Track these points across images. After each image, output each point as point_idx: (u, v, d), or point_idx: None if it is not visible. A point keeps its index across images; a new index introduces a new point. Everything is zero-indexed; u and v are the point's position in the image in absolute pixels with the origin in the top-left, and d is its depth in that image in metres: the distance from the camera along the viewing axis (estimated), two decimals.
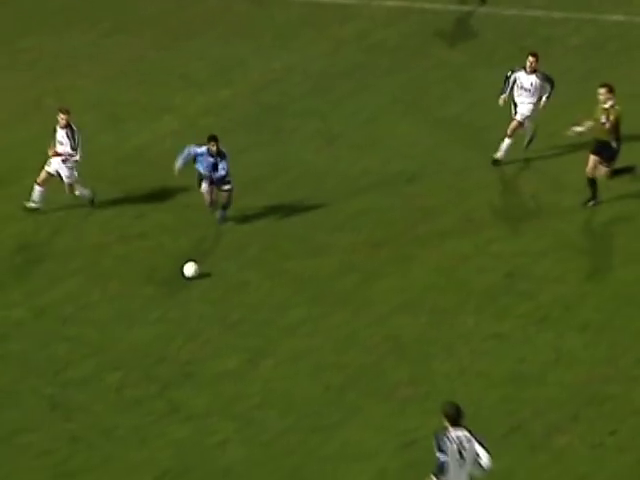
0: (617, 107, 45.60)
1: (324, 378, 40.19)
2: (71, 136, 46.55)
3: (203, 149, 44.04)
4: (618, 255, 48.69)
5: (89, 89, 63.38)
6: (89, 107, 60.45)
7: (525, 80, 50.79)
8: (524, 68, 51.27)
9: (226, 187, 46.23)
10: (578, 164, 51.44)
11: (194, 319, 43.54)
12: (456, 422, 30.35)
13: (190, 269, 36.94)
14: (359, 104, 61.58)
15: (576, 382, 39.92)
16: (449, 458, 30.07)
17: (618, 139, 45.37)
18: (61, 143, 47.13)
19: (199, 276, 40.32)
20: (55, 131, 48.52)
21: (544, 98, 51.10)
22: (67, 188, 48.46)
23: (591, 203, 47.46)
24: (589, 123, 45.03)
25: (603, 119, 44.68)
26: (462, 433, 30.37)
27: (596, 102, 46.22)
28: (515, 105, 51.42)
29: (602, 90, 45.62)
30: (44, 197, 49.76)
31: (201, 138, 50.56)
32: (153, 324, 43.41)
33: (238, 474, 36.02)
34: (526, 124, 50.86)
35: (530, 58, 50.79)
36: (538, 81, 50.96)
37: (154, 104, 61.60)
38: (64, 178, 48.83)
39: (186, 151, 43.81)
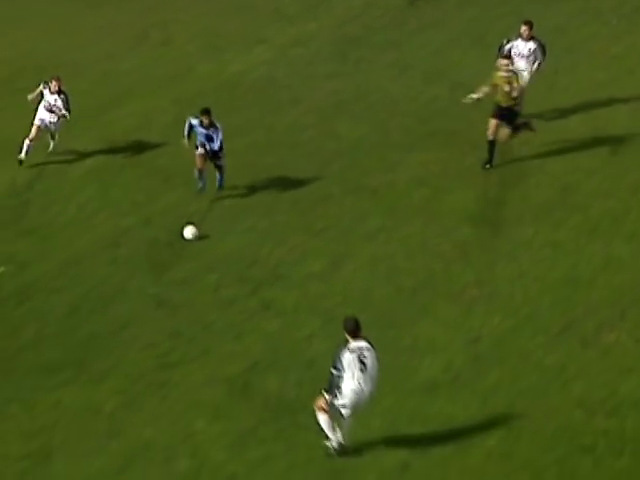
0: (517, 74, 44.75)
1: (398, 281, 40.56)
2: (65, 100, 45.75)
3: (197, 121, 43.06)
4: None
5: (191, 22, 63.97)
6: (191, 38, 61.33)
7: (523, 47, 48.56)
8: (520, 36, 48.86)
9: (219, 162, 44.87)
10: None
11: (282, 228, 44.13)
12: (355, 334, 30.49)
13: (189, 232, 36.62)
14: (430, 37, 61.46)
15: (623, 285, 40.30)
16: (346, 372, 30.12)
17: (519, 103, 44.83)
18: (54, 106, 45.95)
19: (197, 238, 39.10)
20: (42, 96, 47.09)
21: (537, 64, 49.28)
22: (50, 135, 47.51)
23: (488, 165, 45.79)
24: (485, 89, 44.28)
25: (507, 87, 43.74)
26: (363, 344, 30.47)
27: (494, 69, 45.06)
28: None
29: (504, 62, 44.18)
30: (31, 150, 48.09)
31: (291, 66, 51.14)
32: (245, 233, 44.01)
33: (321, 365, 35.51)
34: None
35: (523, 27, 48.44)
36: (534, 47, 48.83)
37: (249, 35, 61.95)
38: (52, 129, 47.94)
39: (187, 122, 43.23)
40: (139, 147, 50.61)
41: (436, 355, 36.83)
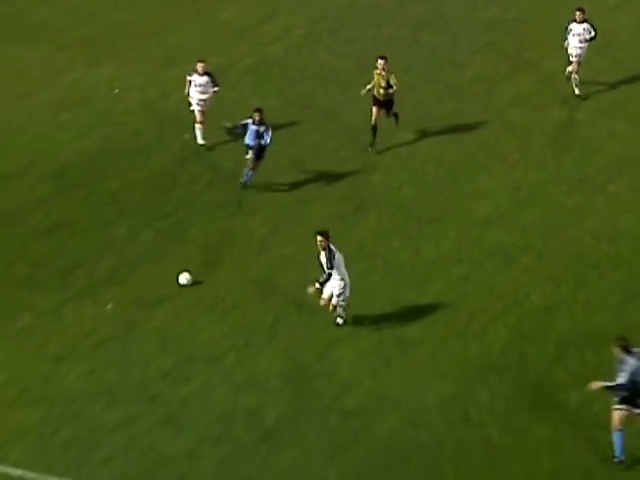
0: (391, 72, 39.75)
1: (463, 146, 40.60)
2: (213, 78, 39.63)
3: (249, 120, 37.13)
4: None
5: None
6: None
7: (577, 28, 43.31)
8: (574, 20, 43.57)
9: (259, 158, 37.73)
10: None
11: None
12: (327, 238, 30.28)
13: (183, 278, 31.92)
14: None
15: (623, 153, 40.31)
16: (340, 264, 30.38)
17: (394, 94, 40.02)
18: (206, 86, 39.77)
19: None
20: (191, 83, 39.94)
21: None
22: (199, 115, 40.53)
23: (370, 148, 40.53)
24: (369, 86, 39.62)
25: (384, 84, 39.39)
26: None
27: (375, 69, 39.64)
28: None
29: (381, 62, 39.64)
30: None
31: None
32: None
33: (409, 208, 36.85)
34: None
35: (577, 12, 43.59)
36: (587, 27, 43.45)
37: None
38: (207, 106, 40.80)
39: (240, 123, 37.50)
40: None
41: (488, 199, 37.53)
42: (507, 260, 34.48)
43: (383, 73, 39.79)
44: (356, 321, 31.64)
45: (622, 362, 25.72)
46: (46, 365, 29.94)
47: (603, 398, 28.05)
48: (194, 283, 30.28)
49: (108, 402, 28.75)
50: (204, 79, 39.38)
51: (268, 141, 37.32)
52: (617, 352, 26.01)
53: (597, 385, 25.95)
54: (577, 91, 43.99)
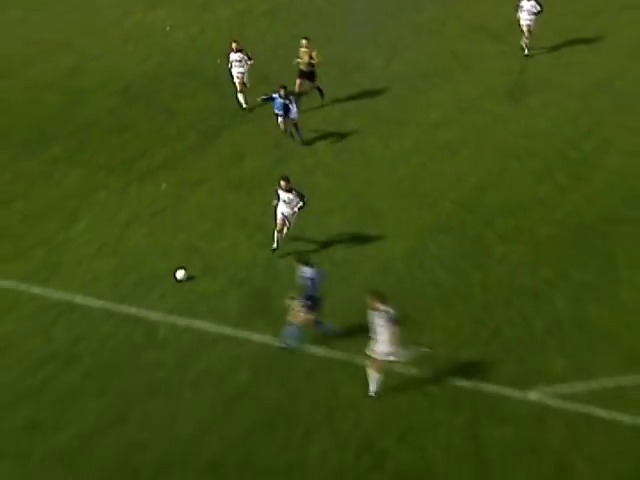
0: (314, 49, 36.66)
1: (420, 69, 39.10)
2: (246, 53, 35.94)
3: (276, 95, 33.97)
4: None
5: None
6: None
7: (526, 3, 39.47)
8: None
9: (295, 124, 34.40)
10: None
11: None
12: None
13: (180, 274, 28.02)
14: None
15: None
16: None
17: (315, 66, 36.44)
18: (241, 60, 36.76)
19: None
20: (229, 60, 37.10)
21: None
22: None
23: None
24: (298, 59, 36.50)
25: (307, 58, 36.39)
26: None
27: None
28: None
29: (304, 42, 36.49)
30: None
31: None
32: None
33: (381, 114, 36.14)
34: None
35: None
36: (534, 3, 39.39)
37: None
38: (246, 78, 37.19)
39: (270, 96, 34.31)
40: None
41: (439, 108, 36.65)
42: (452, 152, 34.16)
43: (307, 50, 36.67)
44: (342, 199, 31.76)
45: None
46: (117, 228, 30.20)
47: (520, 250, 28.57)
48: (189, 278, 27.97)
49: (162, 255, 29.01)
50: (238, 55, 36.88)
51: (295, 111, 34.39)
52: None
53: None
54: (526, 52, 40.64)
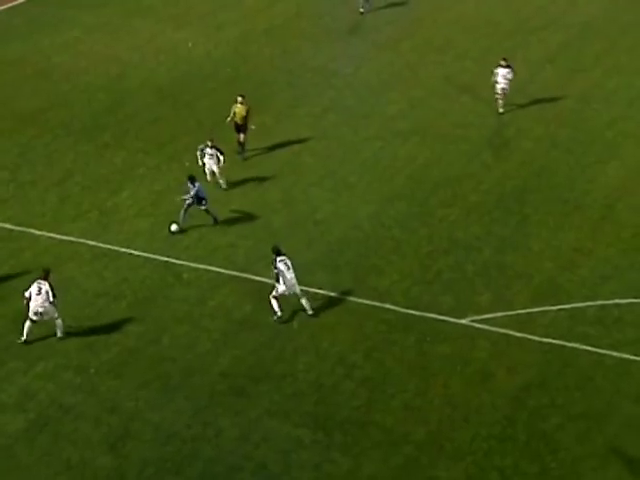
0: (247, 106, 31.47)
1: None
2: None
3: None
4: None
5: None
6: None
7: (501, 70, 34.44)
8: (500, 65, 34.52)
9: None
10: None
11: None
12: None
13: (173, 227, 27.06)
14: None
15: None
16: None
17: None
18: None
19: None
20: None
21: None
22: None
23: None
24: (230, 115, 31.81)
25: (243, 113, 30.98)
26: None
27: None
28: None
29: (240, 98, 31.13)
30: None
31: None
32: None
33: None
34: None
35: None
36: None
37: None
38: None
39: None
40: None
41: None
42: (405, 139, 33.47)
43: (242, 106, 31.68)
44: (322, 174, 31.35)
45: None
46: (152, 196, 29.78)
47: (456, 212, 28.45)
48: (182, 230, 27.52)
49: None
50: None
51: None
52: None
53: None
54: (501, 110, 34.93)
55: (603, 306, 24.58)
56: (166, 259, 26.61)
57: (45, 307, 23.04)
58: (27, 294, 23.28)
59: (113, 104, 36.55)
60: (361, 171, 31.64)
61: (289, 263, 23.90)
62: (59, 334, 23.53)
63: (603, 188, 30.31)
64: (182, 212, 27.95)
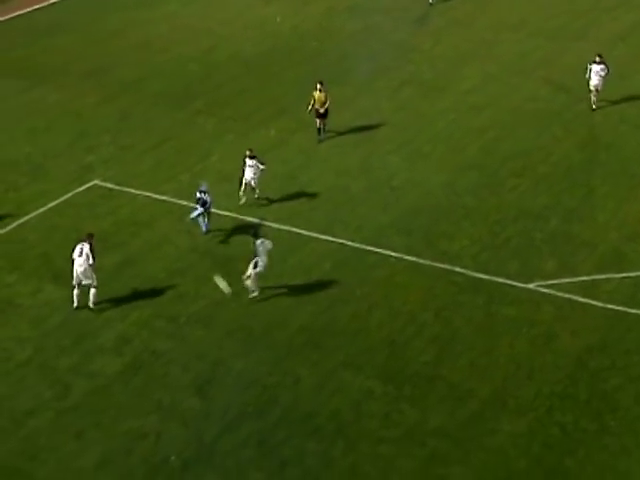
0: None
1: None
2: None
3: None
4: None
5: None
6: None
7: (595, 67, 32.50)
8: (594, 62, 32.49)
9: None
10: None
11: None
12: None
13: (223, 285, 23.44)
14: None
15: None
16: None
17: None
18: None
19: None
20: None
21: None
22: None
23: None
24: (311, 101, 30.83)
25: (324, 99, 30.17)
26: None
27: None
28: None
29: (319, 85, 30.25)
30: None
31: None
32: None
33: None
34: None
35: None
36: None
37: None
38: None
39: None
40: None
41: None
42: (477, 112, 32.99)
43: (322, 93, 30.77)
44: (399, 143, 31.18)
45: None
46: (239, 161, 29.06)
47: (525, 183, 27.89)
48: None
49: (271, 180, 28.42)
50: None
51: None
52: None
53: None
54: (594, 107, 32.94)
55: None
56: (251, 219, 26.58)
57: (84, 268, 22.48)
58: (73, 255, 22.65)
59: (204, 74, 36.71)
60: (435, 142, 31.27)
61: (268, 245, 23.30)
62: (91, 304, 22.79)
63: None
64: (200, 222, 26.14)
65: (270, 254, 23.35)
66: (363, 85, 35.40)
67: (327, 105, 31.03)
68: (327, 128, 31.59)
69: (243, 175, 27.58)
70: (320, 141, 31.35)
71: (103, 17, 42.55)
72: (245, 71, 37.07)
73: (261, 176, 27.66)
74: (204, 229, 26.20)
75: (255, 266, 23.15)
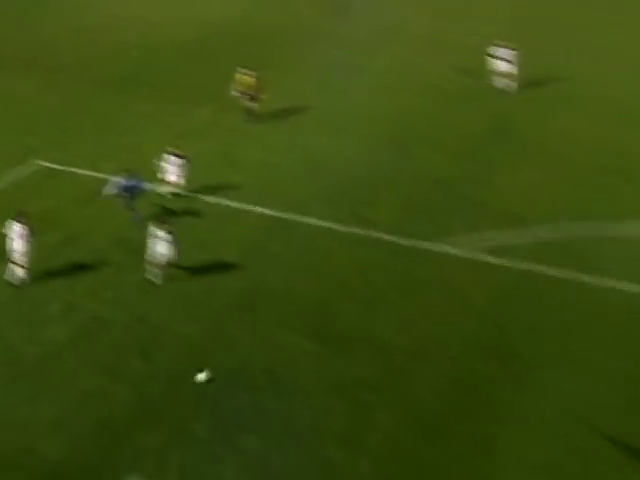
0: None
1: None
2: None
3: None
4: None
5: None
6: None
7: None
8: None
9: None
10: None
11: None
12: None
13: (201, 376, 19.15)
14: None
15: None
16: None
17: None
18: None
19: None
20: None
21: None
22: None
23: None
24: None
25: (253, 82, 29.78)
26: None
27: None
28: None
29: (245, 70, 29.79)
30: None
31: None
32: None
33: None
34: None
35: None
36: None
37: None
38: None
39: None
40: None
41: None
42: None
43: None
44: None
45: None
46: (180, 138, 28.99)
47: None
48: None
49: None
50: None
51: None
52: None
53: None
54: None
55: (561, 235, 24.45)
56: (187, 193, 26.17)
57: (18, 245, 21.55)
58: (9, 234, 21.66)
59: (142, 60, 35.75)
60: (356, 119, 31.12)
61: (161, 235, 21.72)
62: (22, 281, 21.69)
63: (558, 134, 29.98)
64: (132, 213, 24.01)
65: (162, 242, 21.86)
66: (288, 68, 34.93)
67: (255, 88, 30.49)
68: (255, 109, 31.03)
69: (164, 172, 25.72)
70: (249, 121, 30.79)
71: (42, 3, 41.19)
72: (181, 56, 36.20)
73: (185, 170, 25.88)
74: (136, 219, 24.26)
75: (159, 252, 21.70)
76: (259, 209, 25.62)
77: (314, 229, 24.62)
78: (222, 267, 23.13)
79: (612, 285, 22.24)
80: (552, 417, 18.10)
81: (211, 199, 25.99)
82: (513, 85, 33.03)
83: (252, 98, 30.53)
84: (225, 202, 25.97)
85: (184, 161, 25.79)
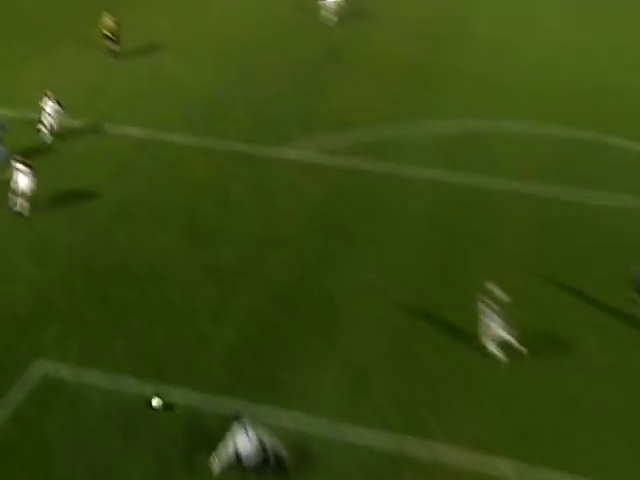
0: None
1: None
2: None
3: None
4: None
5: None
6: None
7: None
8: None
9: None
10: None
11: None
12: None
13: (155, 402, 16.25)
14: None
15: None
16: None
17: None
18: None
19: None
20: None
21: None
22: None
23: None
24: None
25: (113, 24, 28.58)
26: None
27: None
28: None
29: (106, 12, 28.48)
30: None
31: None
32: None
33: None
34: None
35: None
36: None
37: None
38: None
39: None
40: None
41: None
42: None
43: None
44: None
45: None
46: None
47: None
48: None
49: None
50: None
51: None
52: None
53: None
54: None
55: (378, 135, 25.04)
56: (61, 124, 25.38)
57: None
58: None
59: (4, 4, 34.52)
60: (208, 49, 31.24)
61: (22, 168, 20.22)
62: None
63: (375, 56, 30.18)
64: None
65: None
66: (148, 6, 34.72)
67: (117, 30, 30.21)
68: (117, 50, 30.52)
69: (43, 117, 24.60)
70: (115, 57, 30.44)
71: None
72: (49, 2, 35.11)
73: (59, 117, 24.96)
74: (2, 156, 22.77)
75: None
76: (128, 130, 25.70)
77: (177, 145, 24.91)
78: (101, 183, 23.16)
79: (418, 173, 23.43)
80: (381, 282, 18.99)
81: (84, 125, 25.71)
82: (334, 19, 33.75)
83: (114, 40, 30.38)
84: (97, 128, 25.85)
85: (60, 108, 24.84)
